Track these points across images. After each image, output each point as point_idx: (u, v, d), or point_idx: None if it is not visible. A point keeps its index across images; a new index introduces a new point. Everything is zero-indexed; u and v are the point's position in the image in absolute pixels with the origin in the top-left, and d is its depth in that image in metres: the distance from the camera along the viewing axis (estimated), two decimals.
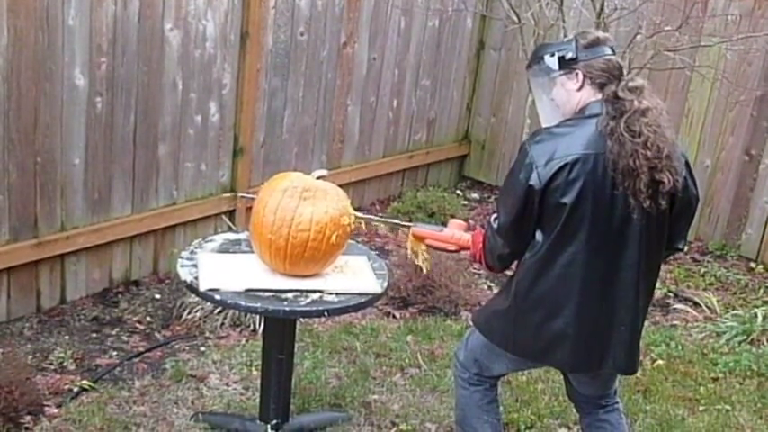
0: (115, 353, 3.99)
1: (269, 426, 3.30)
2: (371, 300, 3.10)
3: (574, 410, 3.28)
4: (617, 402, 3.02)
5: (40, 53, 3.83)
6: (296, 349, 3.55)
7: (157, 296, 4.51)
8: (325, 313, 3.04)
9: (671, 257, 4.29)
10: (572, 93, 2.67)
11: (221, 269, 3.06)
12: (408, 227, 3.13)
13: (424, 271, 3.60)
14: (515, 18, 4.96)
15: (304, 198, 2.94)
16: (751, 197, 5.64)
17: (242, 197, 4.60)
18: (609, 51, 2.66)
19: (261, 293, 2.94)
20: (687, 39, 4.81)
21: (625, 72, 2.71)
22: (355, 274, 3.14)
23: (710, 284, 5.31)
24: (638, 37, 4.67)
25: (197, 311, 4.24)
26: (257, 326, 4.17)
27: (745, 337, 4.58)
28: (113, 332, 4.16)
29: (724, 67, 5.33)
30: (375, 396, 3.82)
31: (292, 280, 3.00)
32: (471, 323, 3.04)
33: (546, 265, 2.64)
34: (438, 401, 3.82)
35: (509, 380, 3.90)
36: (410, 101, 6.05)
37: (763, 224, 5.60)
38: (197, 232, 4.70)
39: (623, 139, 2.52)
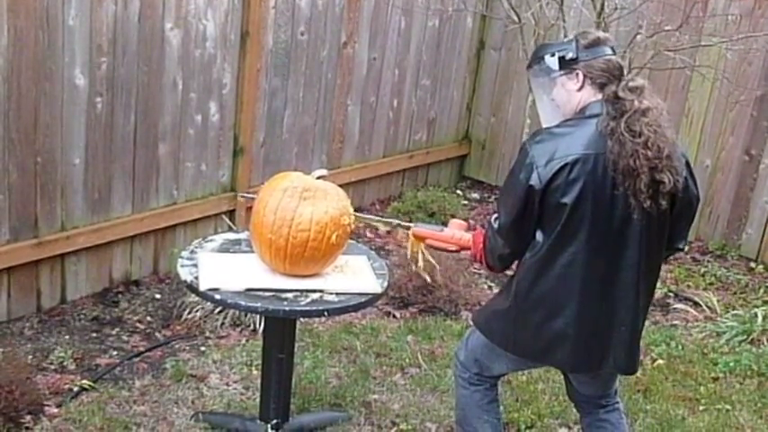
0: (115, 352, 3.99)
1: (269, 425, 3.30)
2: (372, 300, 3.10)
3: (574, 410, 3.28)
4: (617, 402, 3.02)
5: (40, 53, 3.83)
6: (296, 349, 3.55)
7: (158, 296, 4.51)
8: (326, 313, 3.04)
9: (671, 257, 4.29)
10: (572, 93, 2.67)
11: (221, 269, 3.06)
12: (409, 227, 3.13)
13: (428, 279, 3.61)
14: (515, 18, 4.96)
15: (304, 198, 2.94)
16: (751, 197, 5.64)
17: (242, 197, 4.60)
18: (609, 51, 2.66)
19: (261, 293, 2.94)
20: (687, 38, 4.81)
21: (625, 72, 2.71)
22: (355, 274, 3.14)
23: (711, 284, 5.31)
24: (639, 37, 4.67)
25: (197, 311, 4.24)
26: (257, 326, 4.17)
27: (745, 336, 4.58)
28: (113, 332, 4.16)
29: (724, 66, 5.33)
30: (375, 396, 3.83)
31: (292, 280, 3.00)
32: (472, 323, 3.04)
33: (546, 265, 2.64)
34: (438, 401, 3.82)
35: (509, 380, 3.90)
36: (410, 101, 6.05)
37: (764, 224, 5.60)
38: (197, 232, 4.70)
39: (624, 139, 2.52)
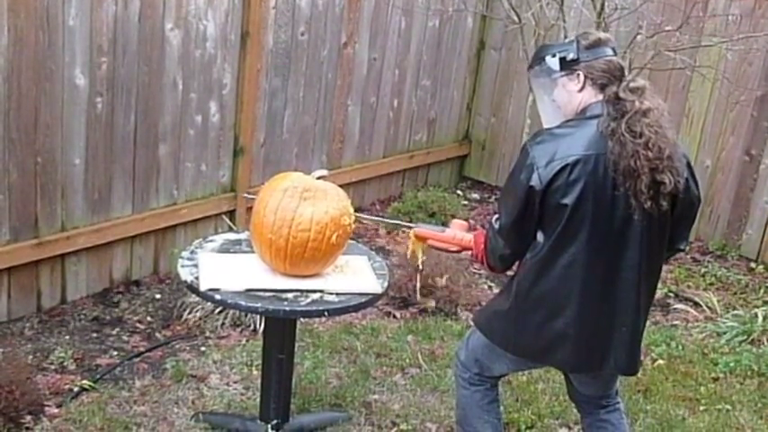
0: (115, 353, 3.99)
1: (269, 426, 3.30)
2: (372, 300, 3.09)
3: (574, 410, 3.28)
4: (618, 402, 3.02)
5: (40, 53, 3.83)
6: (296, 349, 3.55)
7: (158, 296, 4.51)
8: (326, 313, 3.04)
9: (672, 258, 4.29)
10: (573, 93, 2.67)
11: (222, 269, 3.06)
12: (410, 227, 3.13)
13: (418, 291, 3.62)
14: (516, 18, 4.96)
15: (304, 198, 2.94)
16: (751, 197, 5.64)
17: (245, 197, 4.59)
18: (610, 52, 2.66)
19: (261, 293, 2.94)
20: (688, 39, 4.81)
21: (626, 73, 2.71)
22: (356, 274, 3.14)
23: (711, 284, 5.31)
24: (639, 37, 4.66)
25: (197, 311, 4.24)
26: (258, 326, 4.17)
27: (745, 337, 4.58)
28: (114, 332, 4.16)
29: (724, 67, 5.33)
30: (375, 396, 3.82)
31: (293, 280, 3.00)
32: (472, 323, 3.04)
33: (547, 265, 2.64)
34: (438, 401, 3.82)
35: (509, 380, 3.90)
36: (410, 101, 6.05)
37: (764, 224, 5.60)
38: (197, 232, 4.70)
39: (624, 140, 2.52)
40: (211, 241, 3.32)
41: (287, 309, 2.90)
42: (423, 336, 4.36)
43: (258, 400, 3.49)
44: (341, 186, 3.19)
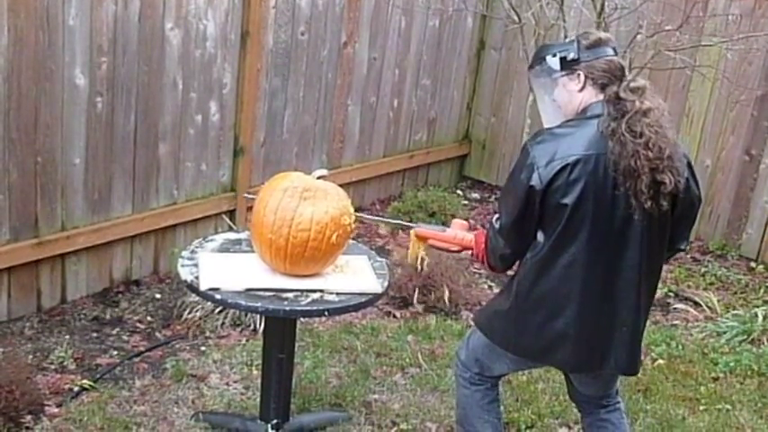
0: (116, 352, 3.99)
1: (269, 425, 3.30)
2: (372, 299, 3.09)
3: (574, 410, 3.28)
4: (618, 402, 3.02)
5: (40, 53, 3.83)
6: (296, 349, 3.56)
7: (158, 296, 4.51)
8: (326, 313, 3.04)
9: (672, 258, 4.30)
10: (574, 93, 2.67)
11: (222, 269, 3.06)
12: (411, 227, 3.13)
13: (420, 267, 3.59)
14: (516, 18, 4.96)
15: (304, 198, 2.94)
16: (751, 197, 5.64)
17: (245, 197, 4.59)
18: (611, 52, 2.66)
19: (261, 293, 2.94)
20: (688, 38, 4.81)
21: (627, 72, 2.71)
22: (356, 274, 3.14)
23: (711, 284, 5.31)
24: (639, 37, 4.66)
25: (197, 311, 4.24)
26: (258, 325, 4.17)
27: (745, 336, 4.58)
28: (114, 332, 4.16)
29: (724, 66, 5.33)
30: (375, 396, 3.83)
31: (293, 279, 3.00)
32: (473, 323, 3.04)
33: (547, 265, 2.64)
34: (438, 401, 3.82)
35: (509, 379, 3.90)
36: (410, 101, 6.05)
37: (764, 224, 5.60)
38: (197, 232, 4.70)
39: (624, 140, 2.52)
40: (211, 241, 3.32)
41: (287, 308, 2.90)
42: (423, 335, 4.36)
43: (258, 399, 3.49)
44: (341, 186, 3.19)
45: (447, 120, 6.44)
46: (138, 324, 4.24)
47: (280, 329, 3.24)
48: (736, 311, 4.87)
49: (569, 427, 3.71)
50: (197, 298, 3.86)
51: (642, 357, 2.99)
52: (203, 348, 4.07)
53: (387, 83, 5.79)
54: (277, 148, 5.14)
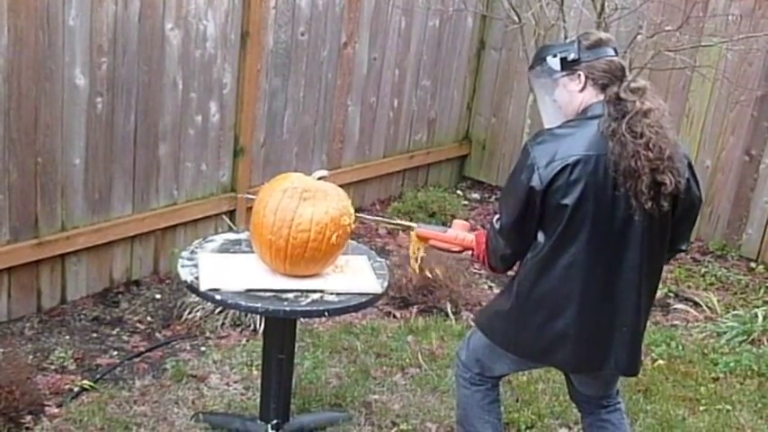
0: (116, 353, 3.99)
1: (269, 425, 3.30)
2: (372, 300, 3.09)
3: (574, 410, 3.28)
4: (619, 402, 3.02)
5: (40, 53, 3.83)
6: (296, 349, 3.56)
7: (158, 296, 4.51)
8: (326, 313, 3.04)
9: (673, 258, 4.30)
10: (574, 94, 2.67)
11: (222, 269, 3.06)
12: (412, 228, 3.13)
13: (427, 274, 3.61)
14: (516, 18, 4.96)
15: (304, 198, 2.94)
16: (751, 197, 5.64)
17: (245, 197, 4.59)
18: (611, 52, 2.66)
19: (261, 293, 2.93)
20: (688, 39, 4.81)
21: (627, 73, 2.71)
22: (356, 274, 3.14)
23: (711, 284, 5.31)
24: (639, 37, 4.67)
25: (197, 311, 4.24)
26: (258, 326, 4.17)
27: (745, 337, 4.58)
28: (114, 332, 4.16)
29: (724, 67, 5.33)
30: (375, 396, 3.82)
31: (293, 280, 3.00)
32: (473, 323, 3.04)
33: (547, 265, 2.64)
34: (438, 401, 3.82)
35: (509, 380, 3.90)
36: (410, 101, 6.05)
37: (764, 224, 5.60)
38: (197, 232, 4.70)
39: (625, 140, 2.52)
40: (211, 241, 3.32)
41: (287, 309, 2.90)
42: (423, 336, 4.36)
43: (258, 400, 3.48)
44: (341, 186, 3.19)
45: (447, 120, 6.44)
46: (138, 324, 4.24)
47: (280, 330, 3.24)
48: (736, 312, 4.87)
49: (569, 428, 3.71)
50: (197, 298, 3.86)
51: (642, 358, 3.00)
52: (203, 349, 4.07)
53: (387, 83, 5.79)
54: (277, 148, 5.14)
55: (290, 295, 2.94)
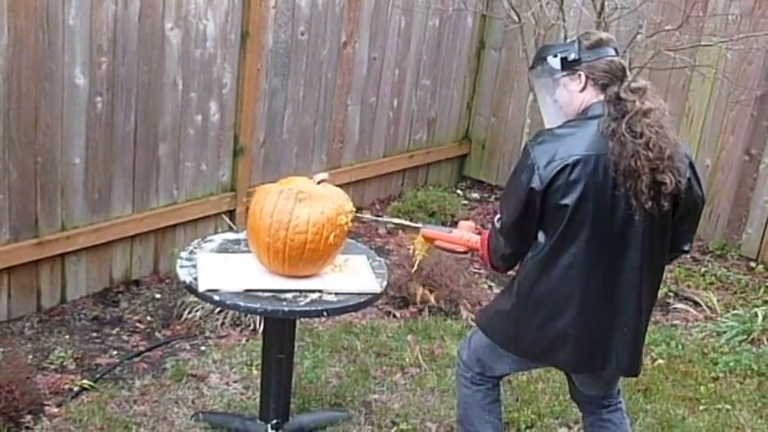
0: (115, 352, 3.99)
1: (269, 425, 3.30)
2: (371, 299, 3.09)
3: (574, 410, 3.28)
4: (620, 402, 3.02)
5: (40, 53, 3.83)
6: (296, 349, 3.55)
7: (158, 296, 4.51)
8: (325, 313, 3.03)
9: (676, 259, 4.31)
10: (575, 94, 2.67)
11: (220, 269, 3.05)
12: (417, 228, 3.13)
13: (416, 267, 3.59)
14: (516, 18, 4.96)
15: (300, 199, 2.93)
16: (751, 197, 5.64)
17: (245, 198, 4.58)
18: (612, 52, 2.66)
19: (260, 294, 2.93)
20: (687, 38, 4.81)
21: (627, 73, 2.71)
22: (354, 274, 3.14)
23: (711, 284, 5.31)
24: (639, 36, 4.67)
25: (197, 311, 4.24)
26: (257, 325, 4.17)
27: (745, 336, 4.58)
28: (114, 332, 4.16)
29: (724, 66, 5.33)
30: (375, 395, 3.83)
31: (291, 280, 3.00)
32: (474, 323, 3.04)
33: (547, 265, 2.64)
34: (438, 401, 3.82)
35: (510, 379, 3.89)
36: (410, 100, 6.05)
37: (764, 224, 5.60)
38: (197, 232, 4.70)
39: (624, 140, 2.52)
40: (210, 241, 3.32)
41: (286, 309, 2.90)
42: (423, 335, 4.36)
43: (258, 399, 3.49)
44: (341, 186, 3.19)
45: (447, 119, 6.44)
46: (137, 324, 4.24)
47: (279, 330, 3.24)
48: (736, 311, 4.87)
49: (569, 427, 3.71)
50: (197, 298, 3.86)
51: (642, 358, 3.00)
52: (203, 348, 4.07)
53: (387, 83, 5.79)
54: (277, 148, 5.14)
55: (289, 295, 2.94)
